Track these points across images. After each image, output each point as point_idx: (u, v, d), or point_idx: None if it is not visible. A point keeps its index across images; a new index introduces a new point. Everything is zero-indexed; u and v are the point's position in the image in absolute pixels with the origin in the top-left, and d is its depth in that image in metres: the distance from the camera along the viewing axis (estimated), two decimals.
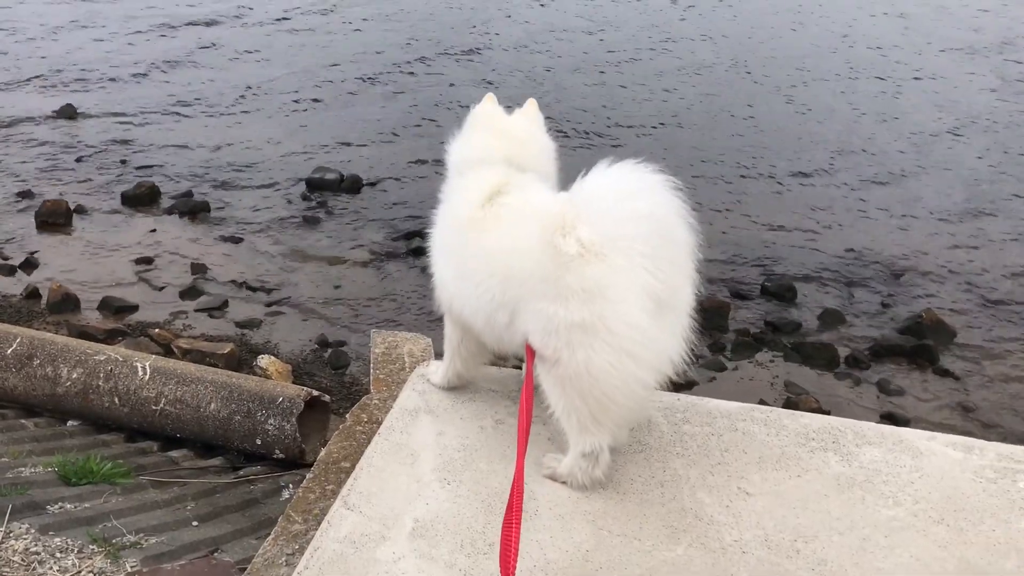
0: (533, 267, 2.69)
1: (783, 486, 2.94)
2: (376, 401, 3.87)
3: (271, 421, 5.60)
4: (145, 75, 13.18)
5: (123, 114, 11.50)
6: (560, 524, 2.74)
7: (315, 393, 5.74)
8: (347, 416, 3.76)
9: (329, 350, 7.40)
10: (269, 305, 7.90)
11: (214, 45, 14.71)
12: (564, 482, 2.90)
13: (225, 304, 7.81)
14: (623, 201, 2.64)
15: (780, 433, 3.19)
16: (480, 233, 2.88)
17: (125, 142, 10.71)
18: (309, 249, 8.70)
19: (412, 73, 13.68)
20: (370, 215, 9.33)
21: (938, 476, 3.02)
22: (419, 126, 11.68)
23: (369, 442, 3.08)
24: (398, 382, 3.92)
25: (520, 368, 3.40)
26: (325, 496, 3.33)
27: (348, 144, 11.15)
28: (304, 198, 9.58)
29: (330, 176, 9.82)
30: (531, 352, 2.82)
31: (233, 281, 8.14)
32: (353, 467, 2.99)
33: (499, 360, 3.44)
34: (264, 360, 6.90)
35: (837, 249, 9.19)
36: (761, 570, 2.62)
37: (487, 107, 3.20)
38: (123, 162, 10.14)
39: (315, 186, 9.73)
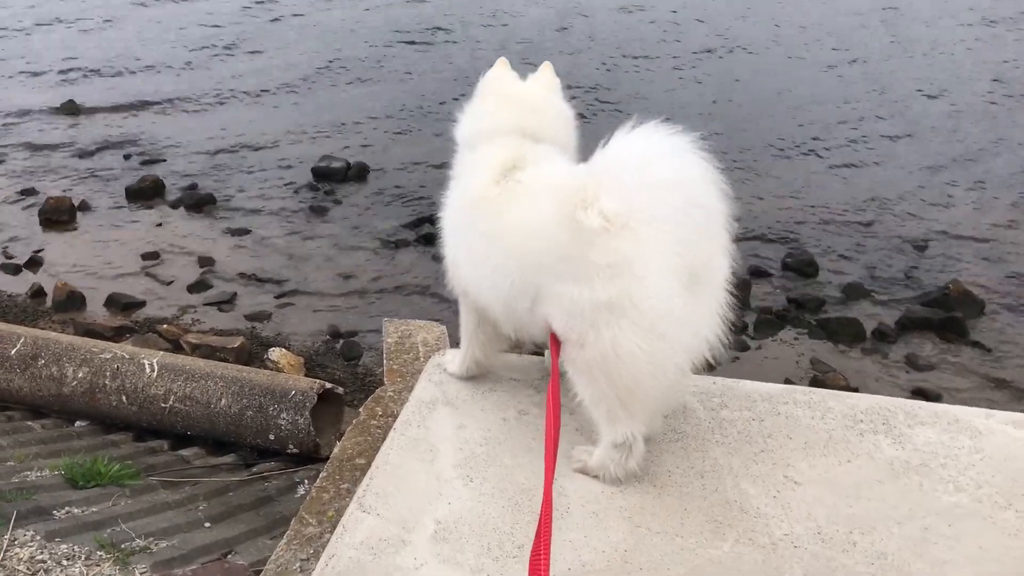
0: (553, 246, 2.47)
1: (833, 472, 2.72)
2: (391, 393, 3.66)
3: (284, 415, 5.41)
4: (145, 70, 12.97)
5: (125, 108, 11.32)
6: (594, 522, 2.53)
7: (328, 385, 5.55)
8: (360, 410, 3.56)
9: (341, 341, 7.21)
10: (279, 297, 7.71)
11: (215, 36, 14.50)
12: (596, 476, 2.68)
13: (234, 297, 7.63)
14: (647, 168, 2.40)
15: (826, 416, 2.96)
16: (494, 213, 2.65)
17: (128, 137, 10.53)
18: (317, 239, 8.50)
19: (428, 46, 13.34)
20: (378, 203, 9.12)
21: (1000, 457, 2.79)
22: (429, 110, 11.44)
23: (384, 437, 2.87)
24: (413, 372, 3.72)
25: (542, 354, 3.19)
26: (340, 496, 3.13)
27: (355, 130, 10.96)
28: (311, 187, 9.38)
29: (336, 164, 9.61)
30: (557, 345, 2.61)
31: (242, 274, 7.95)
32: (368, 464, 2.79)
33: (517, 348, 3.22)
34: (275, 353, 6.72)
35: (856, 223, 8.92)
36: (816, 566, 2.40)
37: (498, 72, 2.94)
38: (127, 157, 9.96)
39: (321, 175, 9.52)
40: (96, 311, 7.38)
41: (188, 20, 15.11)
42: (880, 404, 3.03)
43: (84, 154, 10.00)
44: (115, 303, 7.49)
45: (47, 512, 4.20)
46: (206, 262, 8.09)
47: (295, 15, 15.35)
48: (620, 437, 2.57)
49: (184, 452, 5.54)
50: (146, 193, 9.06)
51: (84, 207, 8.84)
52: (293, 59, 13.44)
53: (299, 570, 2.86)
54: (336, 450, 3.37)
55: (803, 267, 8.17)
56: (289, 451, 5.43)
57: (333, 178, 9.45)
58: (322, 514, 3.07)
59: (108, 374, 5.59)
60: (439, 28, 14.43)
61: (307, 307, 7.58)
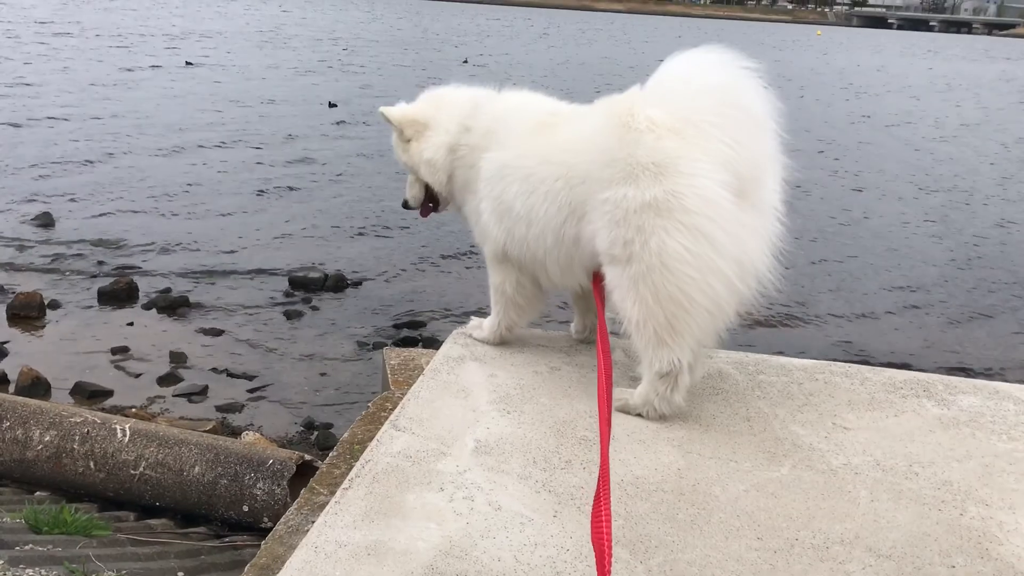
0: (601, 152, 2.45)
1: (882, 423, 2.62)
2: (399, 394, 3.49)
3: (260, 485, 5.11)
4: (119, 173, 13.21)
5: (100, 215, 11.27)
6: (643, 448, 2.37)
7: (307, 457, 5.28)
8: (369, 404, 3.38)
9: (316, 432, 6.94)
10: (252, 392, 7.45)
11: (190, 141, 14.95)
12: (639, 414, 2.54)
13: (205, 390, 7.35)
14: (694, 77, 2.45)
15: (865, 383, 2.88)
16: (548, 136, 2.67)
17: (102, 243, 10.41)
18: (293, 340, 8.32)
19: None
20: (356, 310, 9.01)
21: None
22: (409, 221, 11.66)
23: None
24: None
25: (568, 330, 3.10)
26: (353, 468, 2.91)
27: (333, 239, 11.05)
28: (287, 295, 9.28)
29: (314, 275, 9.55)
30: (600, 291, 2.56)
31: (214, 369, 7.70)
32: None
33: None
34: (249, 436, 6.43)
35: None
36: (881, 488, 2.26)
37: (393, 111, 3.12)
38: (100, 263, 9.83)
39: (298, 284, 9.44)
40: (61, 398, 7.05)
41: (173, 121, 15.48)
42: (917, 376, 2.96)
43: (57, 258, 9.86)
44: (81, 391, 7.17)
45: (9, 546, 3.87)
46: (177, 358, 7.84)
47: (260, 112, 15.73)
48: (666, 365, 2.45)
49: (152, 522, 5.18)
50: (119, 295, 8.86)
51: (54, 305, 8.61)
52: (270, 164, 13.72)
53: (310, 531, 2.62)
54: (346, 435, 3.17)
55: None
56: (263, 525, 5.10)
57: (310, 288, 9.37)
58: (334, 485, 2.84)
59: (77, 438, 5.28)
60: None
61: (280, 401, 7.32)
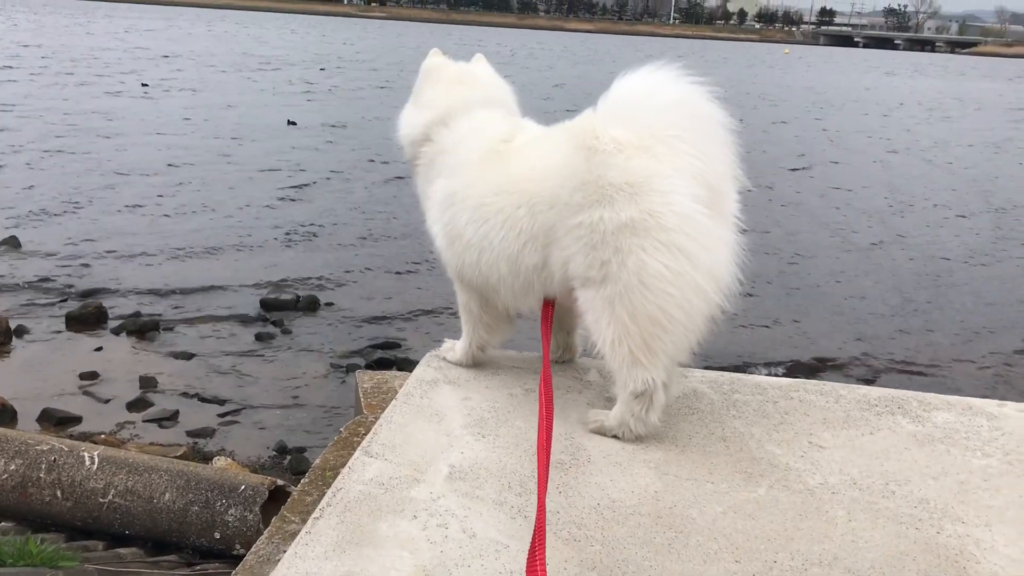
0: (568, 177, 2.43)
1: (857, 441, 2.61)
2: (372, 419, 3.44)
3: (232, 511, 5.03)
4: (90, 202, 13.04)
5: (68, 239, 11.14)
6: (619, 471, 2.35)
7: (279, 483, 5.21)
8: (341, 429, 3.33)
9: (289, 456, 6.86)
10: (223, 416, 7.36)
11: (158, 162, 14.90)
12: (615, 436, 2.52)
13: (176, 415, 7.26)
14: (653, 94, 2.45)
15: (839, 401, 2.87)
16: (503, 164, 2.64)
17: (70, 266, 10.29)
18: (265, 363, 8.24)
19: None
20: (329, 332, 8.95)
21: (1021, 435, 2.72)
22: (389, 236, 11.67)
23: None
24: None
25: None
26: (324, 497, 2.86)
27: (306, 259, 11.04)
28: (260, 318, 9.19)
29: (286, 296, 9.50)
30: (548, 321, 2.56)
31: (184, 393, 7.60)
32: None
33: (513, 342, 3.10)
34: (221, 461, 6.34)
35: None
36: (858, 508, 2.25)
37: (439, 59, 3.00)
38: (68, 287, 9.70)
39: (270, 306, 9.36)
40: (28, 425, 6.93)
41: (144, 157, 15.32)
42: (891, 393, 2.96)
43: (24, 284, 9.71)
44: (49, 418, 7.05)
45: None
46: (147, 382, 7.74)
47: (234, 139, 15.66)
48: (640, 385, 2.43)
49: (121, 551, 5.08)
50: (88, 319, 8.75)
51: (21, 331, 8.47)
52: (239, 185, 13.72)
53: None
54: (318, 461, 3.12)
55: None
56: (235, 552, 5.01)
57: (282, 310, 9.30)
58: (306, 513, 2.79)
59: (43, 466, 5.17)
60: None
61: (253, 425, 7.24)
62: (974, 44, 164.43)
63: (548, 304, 2.67)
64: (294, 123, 21.17)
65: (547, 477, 2.07)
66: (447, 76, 2.94)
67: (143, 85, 27.05)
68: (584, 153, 2.40)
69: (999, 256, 12.97)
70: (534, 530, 1.86)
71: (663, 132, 2.36)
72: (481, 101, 2.85)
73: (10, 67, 30.12)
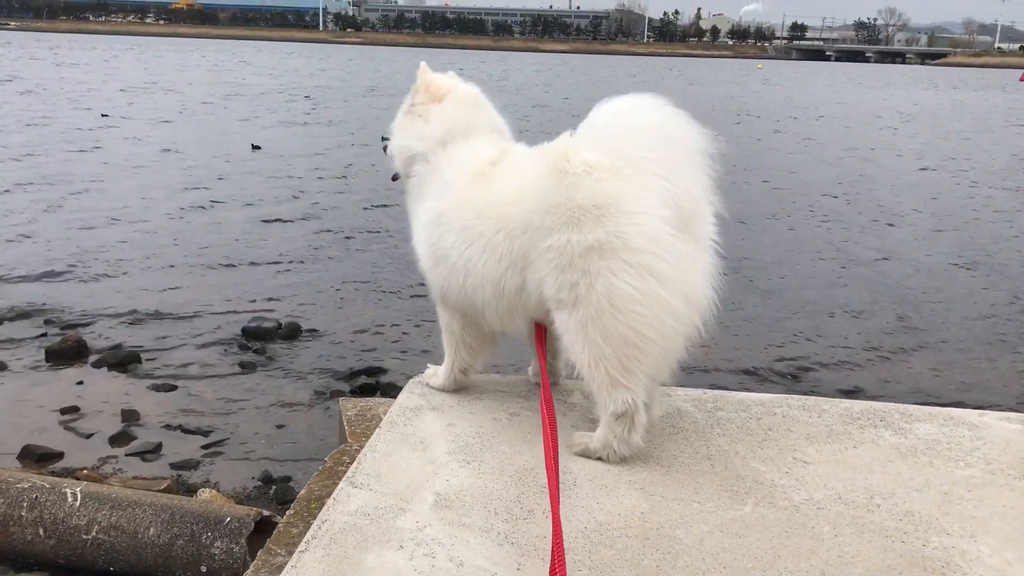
0: (540, 200, 2.45)
1: (841, 455, 2.63)
2: (356, 447, 3.43)
3: (218, 544, 4.98)
4: (63, 228, 12.94)
5: (46, 272, 11.07)
6: (605, 493, 2.35)
7: (266, 513, 5.17)
8: (327, 459, 3.31)
9: (274, 486, 6.80)
10: (207, 447, 7.29)
11: (130, 192, 14.81)
12: (600, 458, 2.52)
13: (159, 447, 7.18)
14: (626, 117, 2.48)
15: (822, 415, 2.89)
16: (486, 187, 2.65)
17: (48, 300, 10.19)
18: (248, 392, 8.17)
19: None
20: (312, 360, 8.89)
21: (1003, 443, 2.75)
22: (369, 261, 11.59)
23: None
24: None
25: (526, 373, 3.07)
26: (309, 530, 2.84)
27: (285, 285, 10.96)
28: (241, 346, 9.13)
29: (267, 324, 9.45)
30: (543, 341, 2.54)
31: (167, 426, 7.52)
32: None
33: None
34: (205, 493, 6.28)
35: None
36: (844, 523, 2.26)
37: (431, 76, 3.00)
38: (47, 321, 9.61)
39: (252, 335, 9.31)
40: (9, 464, 6.83)
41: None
42: (873, 406, 2.99)
43: (0, 315, 9.63)
44: (30, 454, 6.96)
45: None
46: (129, 416, 7.66)
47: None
48: (620, 406, 2.44)
49: None
50: (67, 353, 8.66)
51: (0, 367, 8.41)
52: (212, 211, 13.70)
53: None
54: (303, 492, 3.10)
55: None
56: None
57: (264, 338, 9.25)
58: (292, 545, 2.77)
59: (25, 504, 5.11)
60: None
61: (237, 456, 7.17)
62: (943, 55, 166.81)
63: (541, 327, 2.67)
64: (259, 147, 21.16)
65: (559, 498, 2.07)
66: (458, 97, 2.95)
67: (103, 115, 27.01)
68: (556, 176, 2.42)
69: (975, 267, 13.10)
70: (552, 547, 1.86)
71: (633, 154, 2.38)
72: (483, 126, 2.86)
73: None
